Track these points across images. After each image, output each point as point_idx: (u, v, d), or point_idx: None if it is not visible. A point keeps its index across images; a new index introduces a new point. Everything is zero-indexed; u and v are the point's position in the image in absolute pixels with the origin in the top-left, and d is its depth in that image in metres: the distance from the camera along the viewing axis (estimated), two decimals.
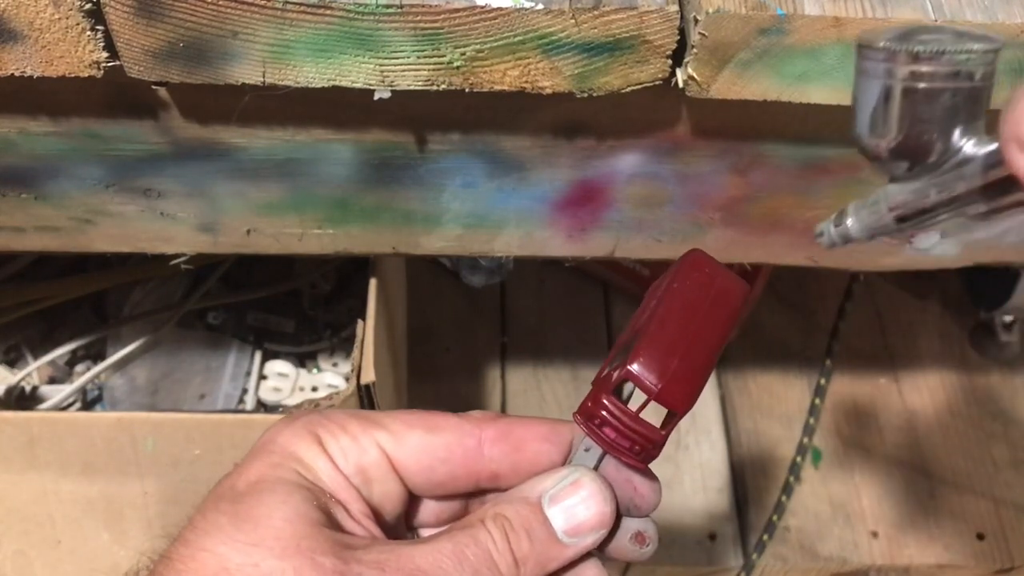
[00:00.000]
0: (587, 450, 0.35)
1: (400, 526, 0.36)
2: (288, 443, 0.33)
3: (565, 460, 0.35)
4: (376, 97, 0.38)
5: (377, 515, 0.34)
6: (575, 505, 0.33)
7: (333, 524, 0.32)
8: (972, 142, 0.26)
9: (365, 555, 0.30)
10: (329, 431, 0.34)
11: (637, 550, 0.35)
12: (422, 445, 0.34)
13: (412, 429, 0.34)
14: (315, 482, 0.33)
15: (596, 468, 0.34)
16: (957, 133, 0.26)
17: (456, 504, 0.37)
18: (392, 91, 0.37)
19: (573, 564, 0.34)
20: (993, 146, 0.25)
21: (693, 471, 0.82)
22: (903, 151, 0.27)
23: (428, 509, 0.37)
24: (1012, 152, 0.22)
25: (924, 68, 0.25)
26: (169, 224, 0.48)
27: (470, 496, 0.37)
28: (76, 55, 0.36)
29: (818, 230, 0.31)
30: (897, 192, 0.28)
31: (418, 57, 0.36)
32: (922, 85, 0.25)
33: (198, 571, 0.30)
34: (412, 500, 0.36)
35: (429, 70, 0.37)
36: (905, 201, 0.28)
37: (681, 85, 0.38)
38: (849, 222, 0.29)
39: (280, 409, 0.72)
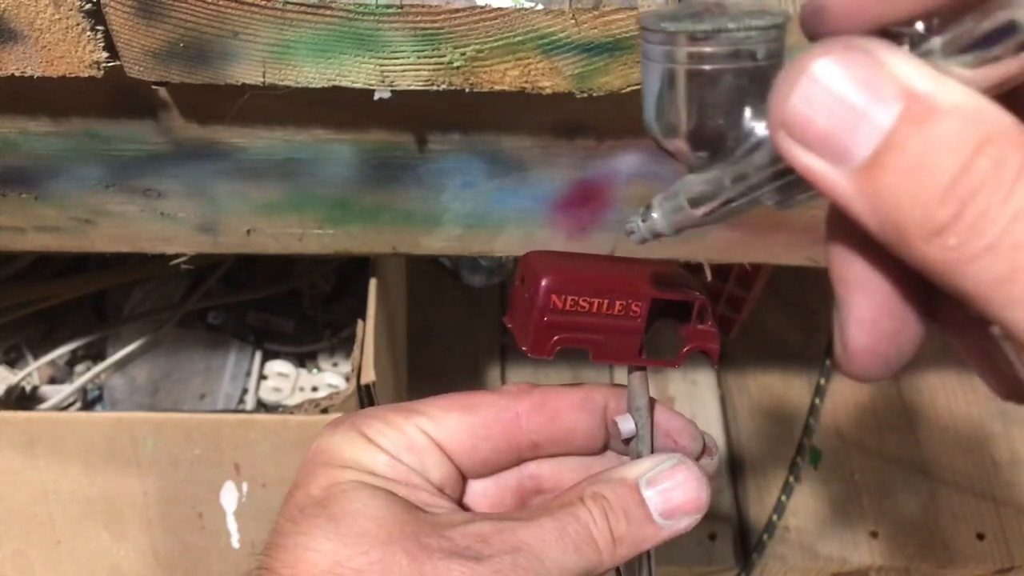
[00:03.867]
0: (638, 409, 0.36)
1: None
2: (342, 448, 0.34)
3: (599, 426, 0.36)
4: (376, 97, 0.38)
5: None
6: (671, 489, 0.34)
7: (421, 510, 0.32)
8: (763, 126, 0.24)
9: (467, 530, 0.31)
10: (375, 428, 0.34)
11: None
12: (462, 425, 0.35)
13: (450, 412, 0.35)
14: (384, 476, 0.33)
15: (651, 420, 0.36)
16: (747, 116, 0.24)
17: (503, 486, 0.37)
18: (392, 91, 0.37)
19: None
20: None
21: None
22: (695, 140, 0.25)
23: (478, 491, 0.37)
24: (780, 138, 0.21)
25: (703, 49, 0.24)
26: (169, 224, 0.48)
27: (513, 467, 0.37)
28: (76, 55, 0.36)
29: (628, 227, 0.29)
30: (695, 182, 0.26)
31: (418, 57, 0.36)
32: (703, 67, 0.24)
33: (309, 571, 0.30)
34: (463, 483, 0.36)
35: (429, 70, 0.37)
36: (703, 193, 0.26)
37: None
38: (655, 216, 0.28)
39: (280, 409, 0.72)
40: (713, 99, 0.24)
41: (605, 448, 0.37)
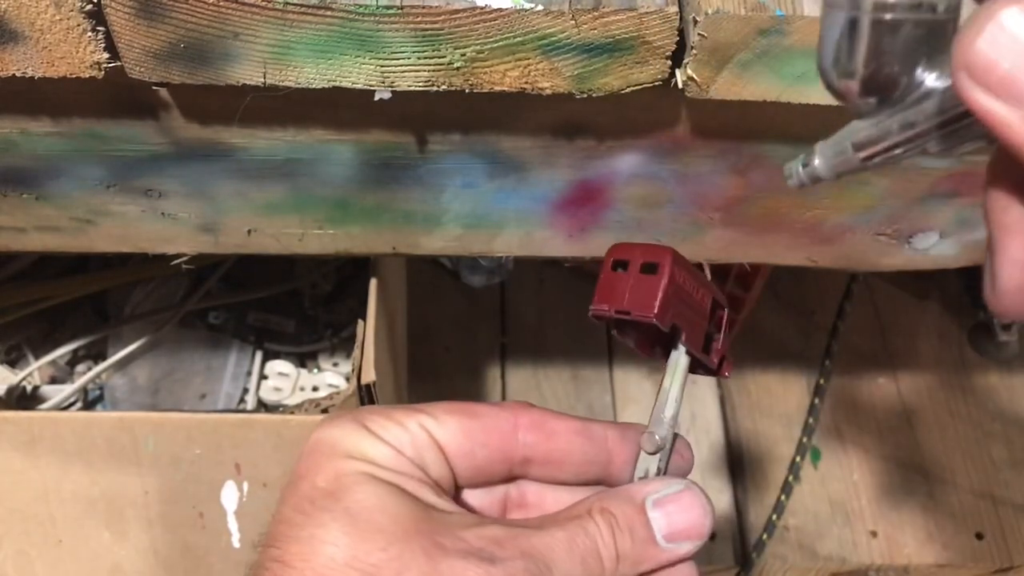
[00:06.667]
0: (667, 419, 0.37)
1: None
2: (344, 440, 0.34)
3: (596, 455, 0.37)
4: (376, 98, 0.38)
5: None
6: (677, 512, 0.34)
7: (431, 507, 0.33)
8: (934, 76, 0.26)
9: (480, 532, 0.32)
10: (377, 422, 0.34)
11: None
12: (463, 429, 0.35)
13: (452, 414, 0.35)
14: (390, 469, 0.33)
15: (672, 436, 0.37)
16: (920, 67, 0.26)
17: (492, 500, 0.37)
18: (392, 92, 0.38)
19: (669, 566, 0.35)
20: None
21: (693, 471, 0.82)
22: (868, 86, 0.27)
23: (466, 501, 0.37)
24: (962, 81, 0.22)
25: None
26: (170, 224, 0.49)
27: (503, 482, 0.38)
28: (77, 56, 0.36)
29: (786, 171, 0.30)
30: (861, 128, 0.28)
31: (418, 58, 0.36)
32: (886, 16, 0.25)
33: (327, 564, 0.30)
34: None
35: (429, 71, 0.37)
36: (868, 137, 0.27)
37: (680, 86, 0.38)
38: (816, 161, 0.29)
39: (280, 409, 0.72)
40: (891, 48, 0.26)
41: (598, 483, 0.37)
